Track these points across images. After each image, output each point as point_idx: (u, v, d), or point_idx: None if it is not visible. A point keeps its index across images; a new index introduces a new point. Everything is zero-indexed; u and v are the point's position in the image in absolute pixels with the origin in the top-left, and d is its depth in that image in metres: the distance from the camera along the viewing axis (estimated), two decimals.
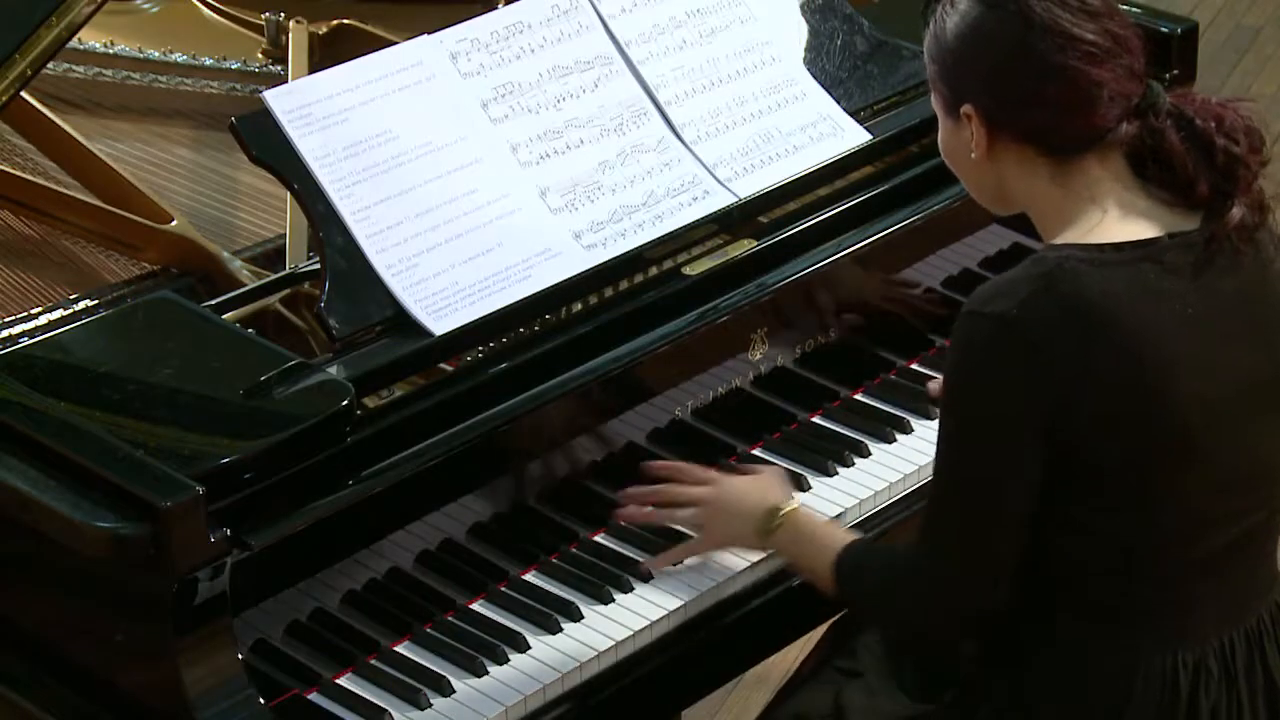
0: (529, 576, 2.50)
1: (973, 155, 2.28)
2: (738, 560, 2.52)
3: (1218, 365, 2.22)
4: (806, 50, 2.92)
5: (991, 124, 2.25)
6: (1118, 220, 2.24)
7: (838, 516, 2.61)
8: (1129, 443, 2.20)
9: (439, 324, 2.46)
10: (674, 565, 2.51)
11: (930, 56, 2.31)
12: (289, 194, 2.57)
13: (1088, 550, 2.25)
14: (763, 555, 2.52)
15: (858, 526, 2.62)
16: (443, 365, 2.47)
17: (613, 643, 2.40)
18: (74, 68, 3.29)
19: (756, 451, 2.71)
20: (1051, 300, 2.17)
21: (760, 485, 2.53)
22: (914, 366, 2.89)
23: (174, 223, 2.84)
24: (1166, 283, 2.20)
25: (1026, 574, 2.28)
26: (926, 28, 2.32)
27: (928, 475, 2.67)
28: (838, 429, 2.77)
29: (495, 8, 2.78)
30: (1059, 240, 2.25)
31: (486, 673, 2.36)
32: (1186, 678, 2.26)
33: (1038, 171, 2.27)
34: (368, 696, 2.32)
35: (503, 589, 2.48)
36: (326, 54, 3.20)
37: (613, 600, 2.46)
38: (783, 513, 2.46)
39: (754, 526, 2.47)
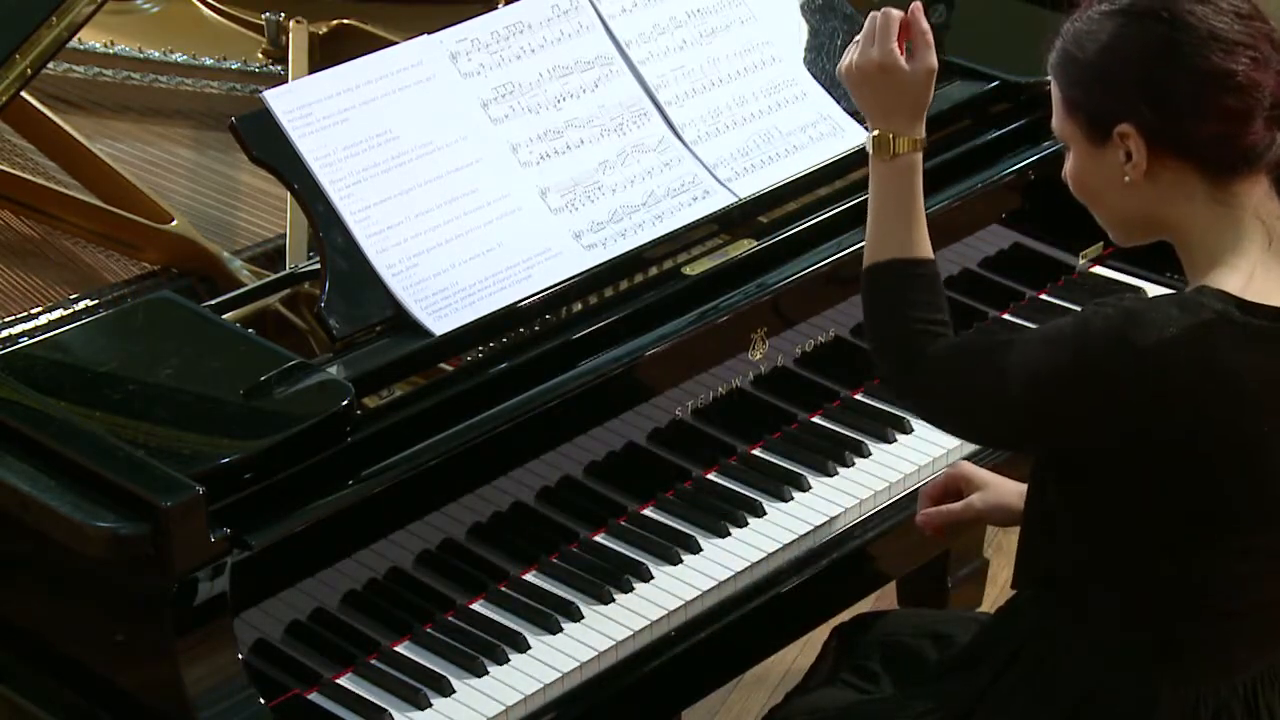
0: (529, 576, 2.50)
1: (1127, 180, 2.15)
2: (736, 561, 2.52)
3: None
4: (806, 50, 2.92)
5: (1152, 141, 2.13)
6: (1272, 272, 2.15)
7: (837, 517, 2.62)
8: (1221, 495, 2.14)
9: (439, 324, 2.46)
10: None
11: (1067, 81, 2.18)
12: (289, 194, 2.57)
13: (1131, 586, 2.20)
14: (760, 554, 2.52)
15: (858, 526, 2.62)
16: (443, 365, 2.47)
17: (613, 642, 2.40)
18: (74, 68, 3.29)
19: (756, 451, 2.71)
20: (1198, 355, 2.08)
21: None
22: None
23: (174, 223, 2.84)
24: None
25: (1062, 595, 2.25)
26: (1052, 52, 2.19)
27: (928, 475, 2.68)
28: (838, 429, 2.77)
29: (495, 8, 2.78)
30: (1212, 281, 2.14)
31: (486, 673, 2.36)
32: (1207, 714, 2.22)
33: (1194, 194, 2.15)
34: (368, 696, 2.32)
35: (503, 589, 2.48)
36: (326, 54, 3.20)
37: (613, 600, 2.46)
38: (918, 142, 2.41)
39: (908, 117, 2.42)
